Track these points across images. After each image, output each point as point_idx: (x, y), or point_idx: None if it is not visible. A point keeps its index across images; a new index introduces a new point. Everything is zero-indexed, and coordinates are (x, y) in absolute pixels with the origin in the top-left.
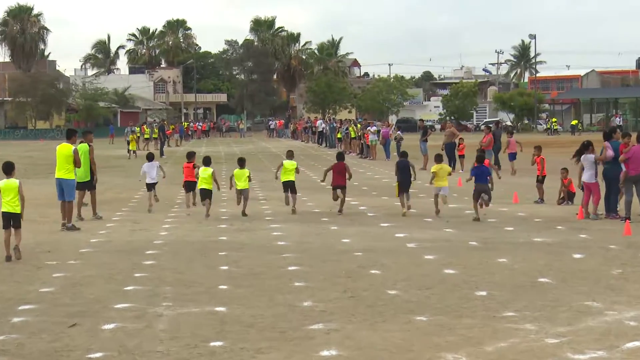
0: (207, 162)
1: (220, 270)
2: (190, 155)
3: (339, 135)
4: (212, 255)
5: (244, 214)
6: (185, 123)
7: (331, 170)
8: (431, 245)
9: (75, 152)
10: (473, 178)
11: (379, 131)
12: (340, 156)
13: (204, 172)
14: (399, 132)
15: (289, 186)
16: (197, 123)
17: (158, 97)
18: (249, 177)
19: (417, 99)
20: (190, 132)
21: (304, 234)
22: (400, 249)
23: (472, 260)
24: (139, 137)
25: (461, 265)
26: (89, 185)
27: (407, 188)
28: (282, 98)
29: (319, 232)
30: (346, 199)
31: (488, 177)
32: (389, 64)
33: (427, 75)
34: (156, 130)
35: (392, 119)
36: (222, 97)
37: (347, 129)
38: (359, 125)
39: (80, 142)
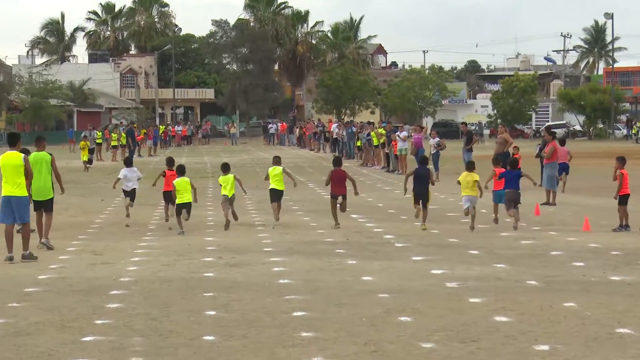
0: (181, 170)
1: (205, 317)
2: (171, 162)
3: (358, 144)
4: (196, 296)
5: (235, 217)
6: (162, 126)
7: (330, 178)
8: (477, 284)
9: (26, 160)
10: (502, 180)
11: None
12: (337, 161)
13: (181, 183)
14: (437, 138)
15: (277, 194)
16: (176, 126)
17: (126, 92)
18: (237, 181)
19: (460, 96)
20: (167, 138)
21: (313, 269)
22: (438, 289)
23: (530, 305)
24: (100, 144)
25: (516, 311)
26: (47, 205)
27: (425, 199)
28: (286, 95)
29: (332, 267)
30: (367, 224)
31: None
32: (424, 51)
33: (473, 66)
34: (123, 136)
35: (427, 123)
36: (209, 93)
37: (368, 134)
38: (382, 130)
39: (37, 150)
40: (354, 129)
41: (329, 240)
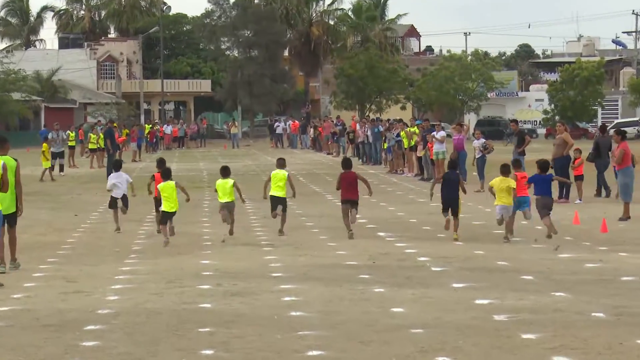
0: (166, 173)
1: (201, 357)
2: (162, 163)
3: (385, 145)
4: (189, 332)
5: (231, 232)
6: (148, 126)
7: (340, 182)
8: (531, 317)
9: (4, 168)
10: (531, 186)
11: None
12: (347, 163)
13: (166, 188)
14: (482, 139)
15: (278, 203)
16: (165, 126)
17: (104, 84)
18: (236, 188)
19: (509, 87)
20: (155, 140)
21: (333, 299)
22: (483, 323)
23: (596, 342)
24: (73, 147)
25: (579, 349)
26: (11, 220)
27: (455, 207)
28: (298, 86)
29: (355, 296)
30: (397, 244)
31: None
32: (465, 33)
33: (525, 51)
34: (101, 137)
35: (469, 120)
36: (204, 86)
37: (397, 135)
38: (416, 129)
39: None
40: (381, 128)
41: (351, 263)
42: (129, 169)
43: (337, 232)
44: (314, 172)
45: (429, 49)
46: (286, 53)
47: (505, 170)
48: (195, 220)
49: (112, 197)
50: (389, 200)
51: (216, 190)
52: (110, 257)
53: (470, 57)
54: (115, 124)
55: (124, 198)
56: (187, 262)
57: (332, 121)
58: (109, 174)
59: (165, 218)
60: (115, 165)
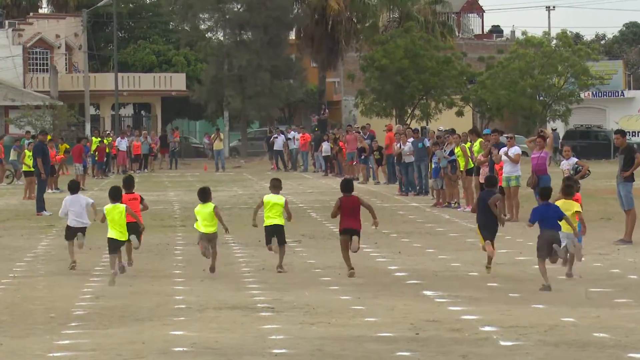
0: (115, 194)
1: None
2: (130, 182)
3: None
4: None
5: (212, 269)
6: (96, 139)
7: (338, 209)
8: None
9: None
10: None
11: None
12: (347, 186)
13: (113, 211)
14: (573, 159)
15: (274, 233)
16: (119, 139)
17: (34, 80)
18: (217, 214)
19: (612, 84)
20: (105, 159)
21: None
22: None
23: None
24: None
25: None
26: None
27: (493, 233)
28: (309, 83)
29: None
30: (451, 307)
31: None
32: (548, 7)
33: (634, 33)
34: (28, 154)
35: (553, 130)
36: (177, 82)
37: (452, 152)
38: (476, 145)
39: None
40: (427, 142)
41: (384, 334)
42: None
43: (366, 289)
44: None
45: (497, 29)
46: (293, 36)
47: (568, 191)
48: (164, 272)
49: (67, 225)
50: (439, 244)
51: (196, 220)
52: (42, 326)
53: (555, 41)
54: (49, 137)
55: (83, 230)
56: (151, 333)
57: (359, 132)
58: (40, 208)
59: (115, 247)
60: (71, 188)
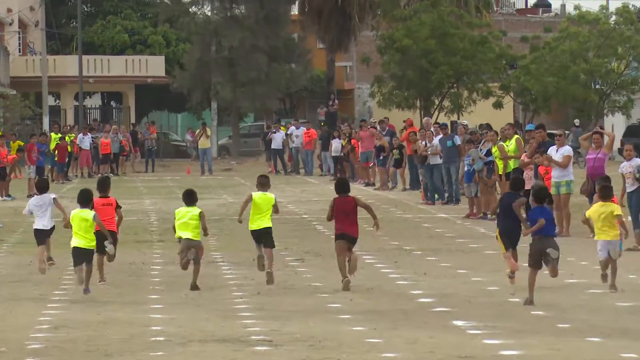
0: (85, 198)
1: None
2: (104, 185)
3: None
4: None
5: (193, 286)
6: (55, 135)
7: (333, 212)
8: None
9: None
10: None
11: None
12: (341, 186)
13: (79, 216)
14: (635, 159)
15: (262, 236)
16: (81, 135)
17: None
18: (201, 219)
19: None
20: (66, 160)
21: None
22: None
23: None
24: None
25: None
26: None
27: (516, 240)
28: (315, 68)
29: None
30: (472, 331)
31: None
32: None
33: None
34: None
35: (612, 126)
36: (154, 66)
37: (487, 151)
38: (513, 144)
39: None
40: (458, 140)
41: None
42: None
43: (383, 318)
44: None
45: (543, 3)
46: (295, 10)
47: (605, 193)
48: (139, 297)
49: (35, 229)
50: (472, 264)
51: (174, 227)
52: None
53: (614, 17)
54: None
55: (48, 233)
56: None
57: (376, 128)
58: None
59: (81, 258)
60: (39, 187)
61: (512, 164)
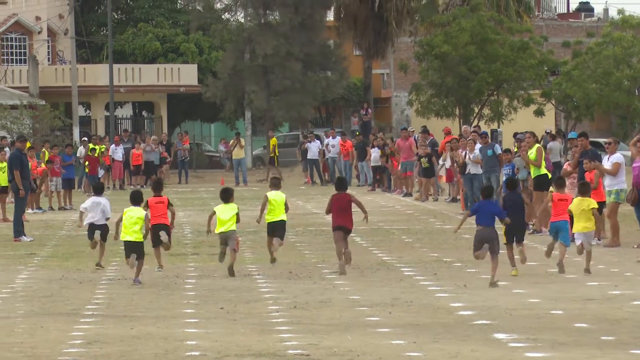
0: (136, 198)
1: None
2: (159, 185)
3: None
4: None
5: (231, 271)
6: (96, 147)
7: (330, 206)
8: None
9: None
10: (467, 217)
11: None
12: (341, 184)
13: (132, 215)
14: None
15: (277, 228)
16: (114, 147)
17: (9, 73)
18: (237, 215)
19: None
20: (96, 172)
21: None
22: None
23: None
24: None
25: None
26: None
27: (520, 234)
28: (351, 76)
29: None
30: (514, 344)
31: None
32: None
33: None
34: (4, 166)
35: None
36: (186, 75)
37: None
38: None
39: None
40: (498, 149)
41: None
42: (49, 222)
43: (423, 332)
44: (381, 228)
45: (586, 7)
46: (331, 17)
47: (583, 189)
48: (173, 312)
49: (89, 224)
50: (514, 276)
51: (212, 215)
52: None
53: None
54: (28, 144)
55: (103, 228)
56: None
57: (414, 137)
58: (18, 232)
59: (132, 250)
60: (95, 188)
61: (533, 172)
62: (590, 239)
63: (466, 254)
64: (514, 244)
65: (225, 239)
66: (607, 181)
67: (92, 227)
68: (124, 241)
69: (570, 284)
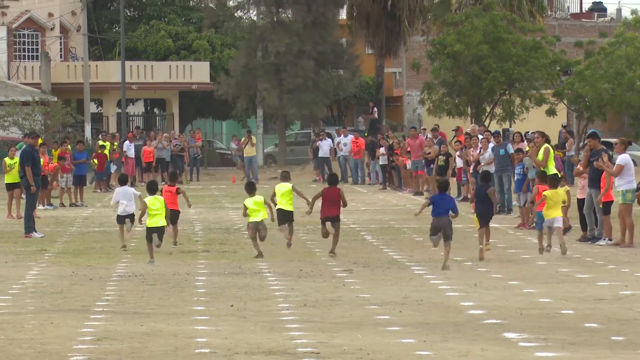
0: (152, 188)
1: None
2: (174, 176)
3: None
4: None
5: (258, 251)
6: (101, 143)
7: (321, 198)
8: None
9: None
10: (425, 206)
11: None
12: (333, 179)
13: (154, 202)
14: None
15: (286, 218)
16: (128, 143)
17: (22, 70)
18: (267, 206)
19: None
20: (105, 169)
21: None
22: None
23: None
24: None
25: None
26: None
27: (488, 219)
28: (363, 74)
29: None
30: (525, 343)
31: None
32: None
33: None
34: (13, 162)
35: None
36: (198, 73)
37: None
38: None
39: None
40: (510, 148)
41: None
42: (60, 219)
43: (433, 331)
44: (392, 227)
45: (598, 7)
46: (343, 15)
47: (553, 183)
48: (183, 309)
49: (118, 215)
50: (524, 275)
51: (245, 211)
52: None
53: None
54: (40, 140)
55: (131, 217)
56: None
57: (427, 136)
58: (29, 228)
59: (150, 233)
60: (121, 180)
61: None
62: (559, 223)
63: (476, 253)
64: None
65: (258, 227)
66: (616, 181)
67: (122, 216)
68: (149, 227)
69: (581, 283)
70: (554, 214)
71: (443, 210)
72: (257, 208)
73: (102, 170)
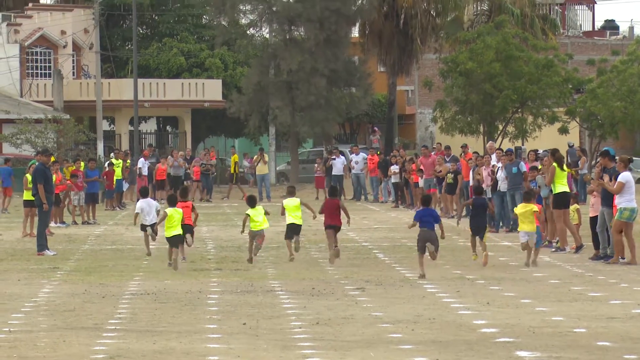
0: (172, 201)
1: None
2: (185, 192)
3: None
4: None
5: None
6: (113, 161)
7: (323, 208)
8: None
9: None
10: (417, 223)
11: None
12: (333, 191)
13: (175, 213)
14: None
15: (295, 232)
16: (142, 160)
17: (34, 87)
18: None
19: None
20: (114, 187)
21: None
22: None
23: None
24: None
25: None
26: None
27: (482, 231)
28: (376, 92)
29: None
30: None
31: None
32: None
33: None
34: (26, 178)
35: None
36: (211, 90)
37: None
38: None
39: None
40: (523, 167)
41: None
42: (73, 237)
43: (446, 349)
44: (404, 245)
45: (611, 25)
46: (356, 33)
47: (527, 197)
48: (195, 327)
49: (142, 224)
50: (537, 294)
51: (246, 218)
52: None
53: None
54: (53, 158)
55: (152, 226)
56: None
57: (440, 154)
58: (41, 246)
59: (174, 241)
60: (142, 192)
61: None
62: (534, 237)
63: (489, 272)
64: (477, 239)
65: (256, 236)
66: (616, 199)
67: (145, 225)
68: (170, 236)
69: (594, 302)
70: (526, 228)
71: (430, 223)
72: (258, 220)
73: (111, 188)
